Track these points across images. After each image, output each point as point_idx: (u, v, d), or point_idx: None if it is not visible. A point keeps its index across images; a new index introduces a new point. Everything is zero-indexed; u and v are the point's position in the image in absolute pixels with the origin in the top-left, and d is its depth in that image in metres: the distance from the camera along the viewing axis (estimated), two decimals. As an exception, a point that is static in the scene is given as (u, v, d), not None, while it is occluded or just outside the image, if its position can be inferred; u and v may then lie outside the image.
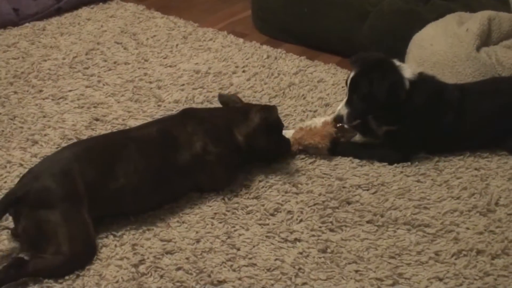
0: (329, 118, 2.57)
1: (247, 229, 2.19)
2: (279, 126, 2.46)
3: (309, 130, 2.52)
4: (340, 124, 2.53)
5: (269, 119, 2.38)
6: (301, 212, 2.26)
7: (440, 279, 2.01)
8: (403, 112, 2.46)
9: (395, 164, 2.51)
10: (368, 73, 2.40)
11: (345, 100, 2.47)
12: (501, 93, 2.60)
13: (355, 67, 2.45)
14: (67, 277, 1.97)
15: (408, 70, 2.48)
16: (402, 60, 3.11)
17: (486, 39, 2.93)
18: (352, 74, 2.44)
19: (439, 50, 2.92)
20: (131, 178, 2.12)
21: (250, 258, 2.08)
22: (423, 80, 2.49)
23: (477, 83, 2.75)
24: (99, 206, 2.08)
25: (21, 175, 2.20)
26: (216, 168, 2.31)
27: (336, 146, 2.55)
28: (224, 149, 2.31)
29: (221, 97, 2.56)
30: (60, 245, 1.96)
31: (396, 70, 2.44)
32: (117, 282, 1.97)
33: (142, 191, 2.16)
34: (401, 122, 2.49)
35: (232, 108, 2.48)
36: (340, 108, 2.47)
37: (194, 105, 2.85)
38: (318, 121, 2.59)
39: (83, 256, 2.02)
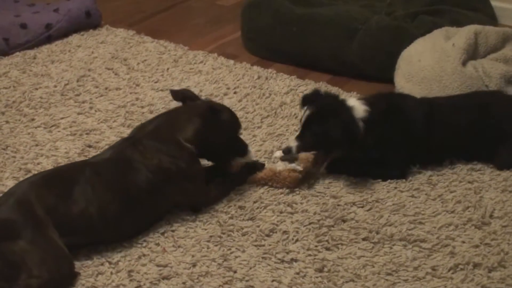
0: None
1: (243, 251, 2.19)
2: (229, 125, 2.43)
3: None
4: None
5: (211, 117, 2.34)
6: (297, 232, 2.26)
7: (438, 294, 2.01)
8: (369, 142, 2.48)
9: (389, 180, 2.52)
10: (322, 119, 2.45)
11: (297, 134, 2.52)
12: (473, 108, 2.61)
13: (309, 108, 2.49)
14: (63, 306, 1.96)
15: (361, 108, 2.48)
16: (391, 75, 3.15)
17: (473, 53, 2.96)
18: (306, 114, 2.48)
19: (427, 66, 2.95)
20: (92, 200, 2.11)
21: (247, 281, 2.07)
22: (375, 112, 2.49)
23: (450, 97, 2.77)
24: (71, 232, 2.06)
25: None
26: (184, 184, 2.29)
27: (331, 164, 2.56)
28: (181, 163, 2.27)
29: (175, 94, 2.48)
30: (31, 269, 1.93)
31: (349, 114, 2.45)
32: (114, 309, 1.97)
33: (110, 214, 2.14)
34: (374, 148, 2.50)
35: (178, 111, 2.43)
36: (291, 141, 2.52)
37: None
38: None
39: (58, 274, 1.98)
